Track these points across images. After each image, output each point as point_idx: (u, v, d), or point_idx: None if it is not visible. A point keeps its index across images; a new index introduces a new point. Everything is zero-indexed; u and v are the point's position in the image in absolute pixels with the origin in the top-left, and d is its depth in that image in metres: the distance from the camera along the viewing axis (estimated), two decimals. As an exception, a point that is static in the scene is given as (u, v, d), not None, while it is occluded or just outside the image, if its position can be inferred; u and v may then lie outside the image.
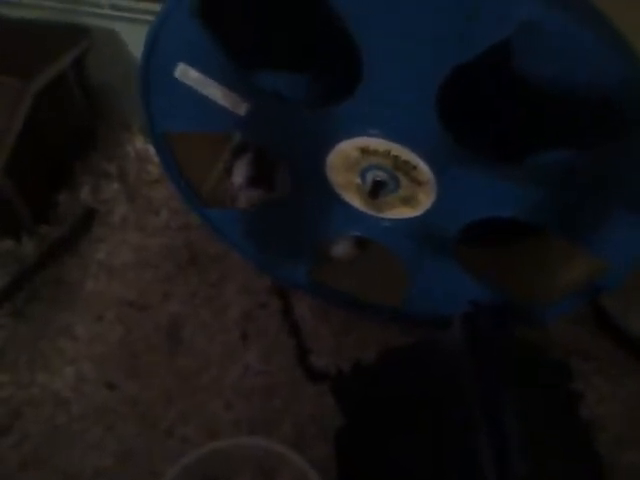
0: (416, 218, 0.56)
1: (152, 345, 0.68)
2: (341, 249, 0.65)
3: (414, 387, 0.60)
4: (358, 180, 0.55)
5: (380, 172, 0.53)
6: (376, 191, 0.54)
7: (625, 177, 0.48)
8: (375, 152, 0.52)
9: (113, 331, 0.68)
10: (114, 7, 0.66)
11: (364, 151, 0.52)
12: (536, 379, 0.61)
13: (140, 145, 0.80)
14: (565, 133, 0.50)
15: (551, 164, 0.49)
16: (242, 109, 0.53)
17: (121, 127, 0.81)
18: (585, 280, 0.58)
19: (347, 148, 0.53)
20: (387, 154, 0.52)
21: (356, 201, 0.57)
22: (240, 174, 0.58)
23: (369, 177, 0.54)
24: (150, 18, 0.62)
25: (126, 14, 0.66)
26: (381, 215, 0.57)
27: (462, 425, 0.55)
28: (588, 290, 0.58)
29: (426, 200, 0.54)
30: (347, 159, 0.54)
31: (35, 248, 0.73)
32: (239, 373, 0.66)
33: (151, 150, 0.78)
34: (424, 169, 0.52)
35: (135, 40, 0.67)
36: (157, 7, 0.57)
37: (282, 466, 0.56)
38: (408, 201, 0.55)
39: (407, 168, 0.52)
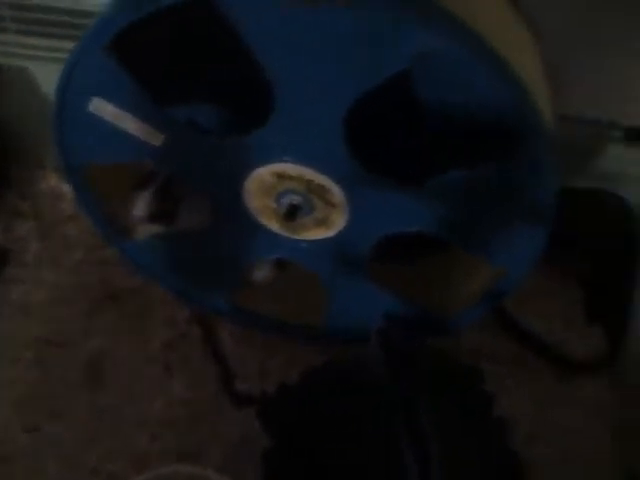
0: (331, 238, 0.59)
1: (73, 384, 0.67)
2: (261, 274, 0.67)
3: (338, 404, 0.62)
4: (274, 204, 0.57)
5: (295, 196, 0.56)
6: (292, 214, 0.56)
7: (516, 191, 0.53)
8: (290, 177, 0.55)
9: (32, 372, 0.67)
10: (25, 46, 0.66)
11: (280, 176, 0.55)
12: (450, 385, 0.64)
13: (54, 183, 0.79)
14: (461, 155, 0.54)
15: (450, 183, 0.54)
16: (158, 140, 0.54)
17: (34, 165, 0.79)
18: (488, 288, 0.63)
19: (263, 174, 0.55)
20: (301, 179, 0.55)
21: (274, 225, 0.59)
22: (142, 208, 0.58)
23: (285, 201, 0.56)
24: (61, 56, 0.62)
25: (38, 52, 0.66)
26: (298, 237, 0.60)
27: (385, 438, 0.57)
28: (491, 297, 0.63)
29: (339, 221, 0.58)
30: (263, 185, 0.56)
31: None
32: (164, 404, 0.67)
33: (65, 187, 0.77)
34: (336, 192, 0.55)
35: (47, 78, 0.67)
36: (69, 45, 0.57)
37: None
38: (323, 222, 0.58)
39: (320, 191, 0.55)
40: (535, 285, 0.75)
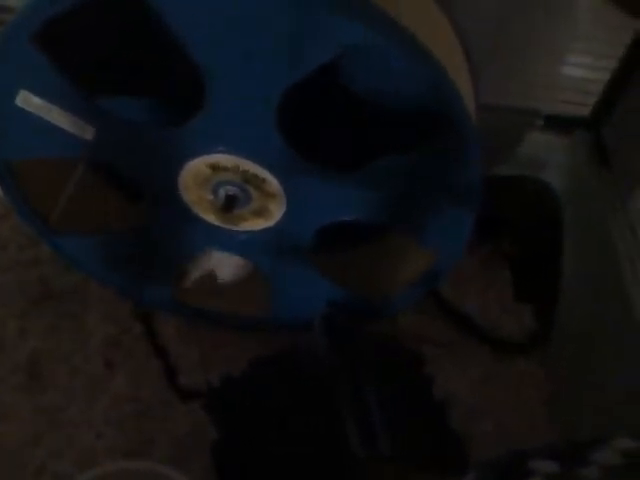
0: (270, 228, 0.59)
1: (12, 385, 0.65)
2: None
3: (284, 392, 0.63)
4: (211, 196, 0.57)
5: (231, 187, 0.56)
6: (229, 205, 0.56)
7: (444, 176, 0.55)
8: (225, 168, 0.55)
9: (-33, 376, 0.65)
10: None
11: (214, 167, 0.55)
12: (392, 368, 0.66)
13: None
14: (392, 141, 0.55)
15: (383, 169, 0.55)
16: (88, 133, 0.53)
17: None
18: (423, 271, 0.64)
19: (197, 166, 0.55)
20: (236, 169, 0.55)
21: (211, 217, 0.59)
22: (228, 272, 0.60)
23: (221, 192, 0.56)
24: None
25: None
26: (236, 229, 0.60)
27: (330, 424, 0.58)
28: (427, 280, 0.65)
29: (277, 210, 0.58)
30: (198, 176, 0.56)
31: None
32: (107, 402, 0.66)
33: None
34: (272, 181, 0.56)
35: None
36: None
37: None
38: (260, 213, 0.58)
39: (256, 181, 0.56)
40: (469, 268, 0.78)
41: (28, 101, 0.52)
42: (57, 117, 0.52)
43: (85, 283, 0.71)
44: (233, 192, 0.56)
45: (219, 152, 0.54)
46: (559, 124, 0.74)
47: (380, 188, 0.56)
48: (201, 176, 0.56)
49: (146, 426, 0.64)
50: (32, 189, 0.61)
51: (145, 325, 0.70)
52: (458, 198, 0.56)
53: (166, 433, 0.64)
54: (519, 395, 0.71)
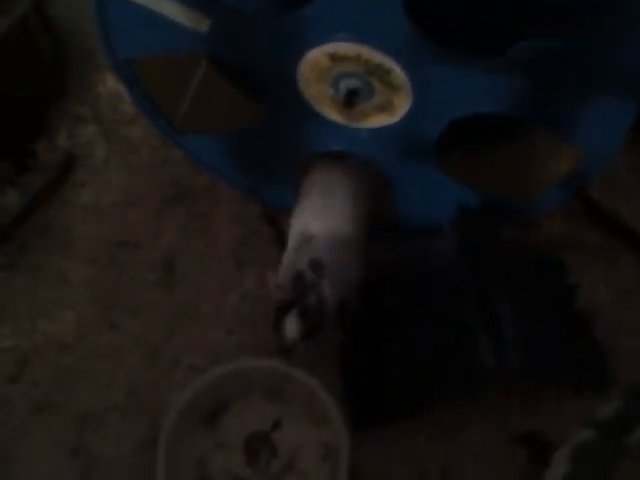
0: (394, 125, 0.55)
1: (148, 282, 0.68)
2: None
3: (410, 298, 0.61)
4: (331, 91, 0.54)
5: (353, 80, 0.52)
6: (350, 100, 0.53)
7: (601, 58, 0.48)
8: (345, 58, 0.51)
9: (108, 272, 0.69)
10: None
11: (334, 58, 0.51)
12: (531, 276, 0.61)
13: (111, 84, 0.78)
14: (541, 18, 0.48)
15: (527, 53, 0.48)
16: (204, 26, 0.51)
17: (90, 68, 0.78)
18: (569, 171, 0.58)
19: (316, 56, 0.51)
20: (358, 59, 0.50)
21: (332, 114, 0.56)
22: (293, 330, 0.55)
23: (342, 86, 0.53)
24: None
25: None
26: (359, 126, 0.57)
27: (461, 326, 0.56)
28: (573, 181, 0.59)
29: (402, 105, 0.53)
30: (317, 69, 0.52)
31: (19, 199, 0.72)
32: (237, 300, 0.67)
33: (122, 89, 0.76)
34: (397, 72, 0.51)
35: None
36: None
37: (290, 385, 0.58)
38: (384, 108, 0.54)
39: (380, 72, 0.51)
40: (623, 169, 0.69)
41: (141, -6, 0.50)
42: (172, 10, 0.51)
43: (214, 185, 0.72)
44: (354, 85, 0.52)
45: (339, 40, 0.50)
46: None
47: (522, 76, 0.50)
48: (321, 68, 0.52)
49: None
50: (156, 90, 0.61)
51: (272, 227, 0.70)
52: (616, 86, 0.49)
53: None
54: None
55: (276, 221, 0.70)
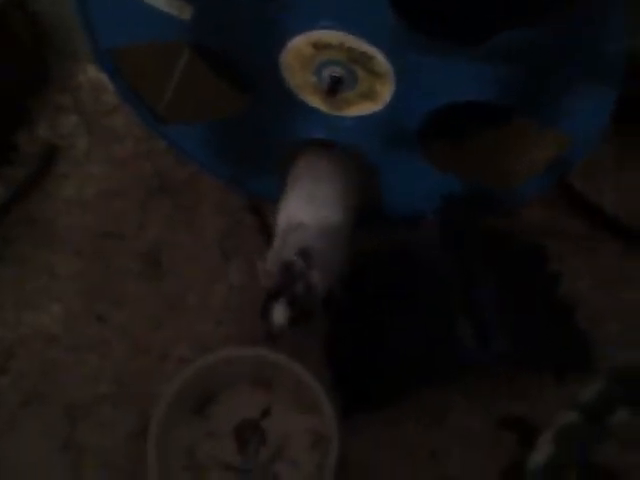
0: (377, 113, 0.55)
1: (134, 274, 0.68)
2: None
3: (397, 287, 0.61)
4: (315, 79, 0.54)
5: (336, 67, 0.52)
6: (334, 88, 0.53)
7: (582, 47, 0.48)
8: (329, 46, 0.50)
9: (94, 264, 0.68)
10: None
11: (317, 46, 0.51)
12: (513, 263, 0.62)
13: (93, 74, 0.77)
14: (518, 8, 0.48)
15: (507, 41, 0.48)
16: (186, 13, 0.51)
17: (70, 57, 0.78)
18: (551, 158, 0.58)
19: (300, 44, 0.51)
20: (341, 47, 0.50)
21: (315, 102, 0.56)
22: (280, 317, 0.55)
23: (325, 74, 0.53)
24: None
25: None
26: (342, 114, 0.56)
27: (444, 312, 0.56)
28: (555, 168, 0.59)
29: (386, 92, 0.53)
30: (301, 57, 0.52)
31: (2, 191, 0.72)
32: (225, 291, 0.67)
33: (104, 79, 0.75)
34: (381, 59, 0.51)
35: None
36: None
37: (278, 373, 0.58)
38: (367, 95, 0.54)
39: (363, 60, 0.51)
40: (605, 157, 0.70)
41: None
42: (153, -2, 0.50)
43: (198, 176, 0.71)
44: (338, 73, 0.52)
45: (322, 28, 0.49)
46: None
47: (503, 63, 0.50)
48: (304, 56, 0.52)
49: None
50: (139, 79, 0.60)
51: (256, 216, 0.70)
52: (596, 74, 0.49)
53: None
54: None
55: (260, 211, 0.70)
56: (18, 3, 0.73)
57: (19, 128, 0.75)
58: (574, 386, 0.60)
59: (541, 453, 0.46)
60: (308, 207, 0.58)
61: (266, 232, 0.69)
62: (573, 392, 0.60)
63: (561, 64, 0.50)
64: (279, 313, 0.55)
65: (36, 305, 0.67)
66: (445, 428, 0.60)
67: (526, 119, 0.57)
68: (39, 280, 0.68)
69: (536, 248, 0.64)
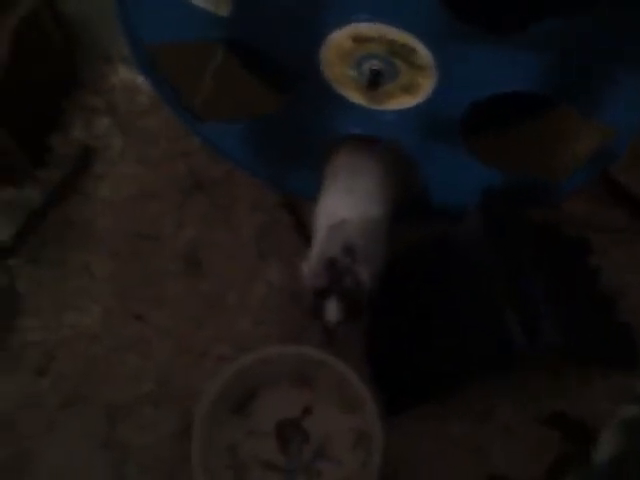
0: (419, 106, 0.55)
1: (172, 273, 0.68)
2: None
3: (434, 280, 0.61)
4: (355, 73, 0.53)
5: (376, 61, 0.51)
6: (374, 81, 0.52)
7: (625, 38, 0.47)
8: (369, 39, 0.50)
9: (132, 264, 0.69)
10: None
11: (357, 40, 0.50)
12: (557, 256, 0.61)
13: (125, 75, 0.77)
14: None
15: (552, 32, 0.47)
16: (223, 9, 0.50)
17: (102, 59, 0.78)
18: (594, 150, 0.57)
19: (339, 39, 0.51)
20: (382, 40, 0.50)
21: (355, 96, 0.56)
22: (334, 314, 0.55)
23: (365, 68, 0.52)
24: None
25: None
26: (382, 108, 0.56)
27: (491, 306, 0.55)
28: (598, 160, 0.58)
29: (427, 85, 0.53)
30: (340, 51, 0.52)
31: (38, 193, 0.72)
32: (263, 290, 0.67)
33: (137, 80, 0.76)
34: (422, 51, 0.50)
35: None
36: None
37: (319, 371, 0.58)
38: (408, 88, 0.53)
39: (404, 52, 0.50)
40: None
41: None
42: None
43: (232, 174, 0.71)
44: (378, 66, 0.52)
45: (362, 21, 0.49)
46: None
47: (547, 54, 0.49)
48: (344, 50, 0.51)
49: (298, 314, 0.64)
50: (176, 77, 0.60)
51: (293, 215, 0.70)
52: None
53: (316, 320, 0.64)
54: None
55: (295, 209, 0.70)
56: (48, 3, 0.74)
57: (53, 130, 0.75)
58: (619, 380, 0.59)
59: (605, 447, 0.45)
60: (347, 202, 0.57)
61: (301, 230, 0.69)
62: (619, 387, 0.59)
63: (605, 53, 0.49)
64: (332, 310, 0.54)
65: (75, 306, 0.67)
66: (490, 424, 0.59)
67: (569, 110, 0.56)
68: (77, 281, 0.68)
69: (580, 240, 0.63)
